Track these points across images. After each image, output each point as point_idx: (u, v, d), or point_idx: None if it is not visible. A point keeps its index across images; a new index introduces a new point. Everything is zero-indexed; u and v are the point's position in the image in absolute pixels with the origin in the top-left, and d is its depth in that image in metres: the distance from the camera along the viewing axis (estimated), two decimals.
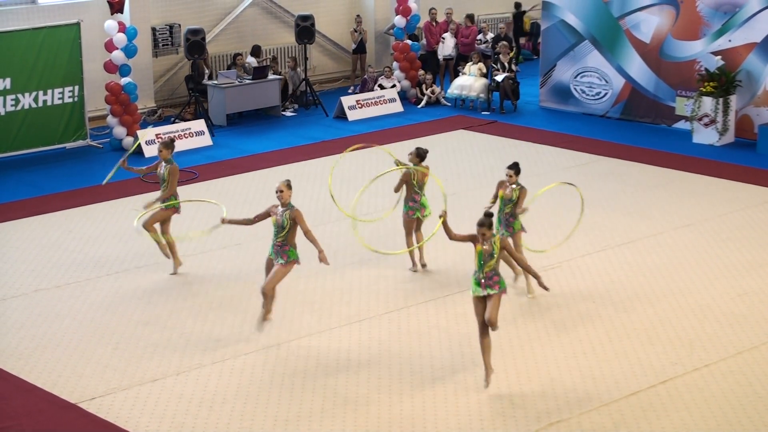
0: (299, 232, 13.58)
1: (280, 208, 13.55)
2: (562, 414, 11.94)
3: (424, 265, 16.12)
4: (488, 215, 12.31)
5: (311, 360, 13.26)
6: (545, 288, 12.61)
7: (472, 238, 12.31)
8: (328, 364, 13.14)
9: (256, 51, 26.33)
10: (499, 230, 14.61)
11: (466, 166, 21.19)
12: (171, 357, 13.38)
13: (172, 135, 22.23)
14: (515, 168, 14.79)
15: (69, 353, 13.50)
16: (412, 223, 16.02)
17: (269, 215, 13.67)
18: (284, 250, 13.55)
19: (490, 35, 28.56)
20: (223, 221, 14.13)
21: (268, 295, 13.74)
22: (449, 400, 12.22)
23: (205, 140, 23.22)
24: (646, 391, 12.43)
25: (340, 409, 12.11)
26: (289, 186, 13.58)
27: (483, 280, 12.25)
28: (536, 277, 12.53)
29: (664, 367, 13.00)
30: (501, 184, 14.84)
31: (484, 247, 12.19)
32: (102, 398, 12.38)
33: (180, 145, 22.67)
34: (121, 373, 12.98)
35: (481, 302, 12.31)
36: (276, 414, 12.01)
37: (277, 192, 13.49)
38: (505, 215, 14.74)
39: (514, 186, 14.71)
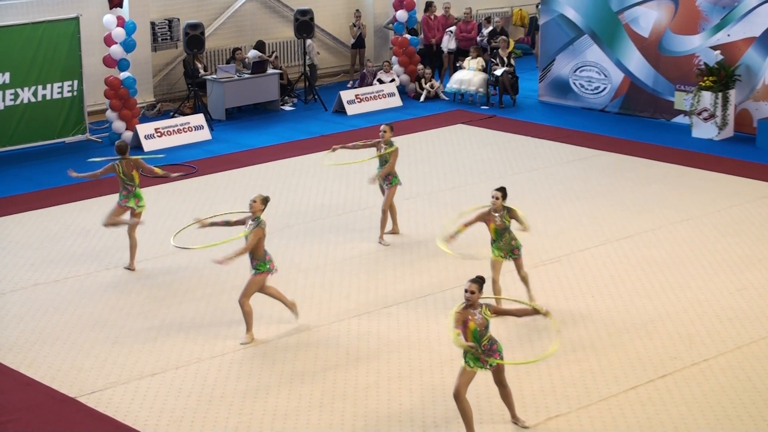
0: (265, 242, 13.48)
1: (249, 221, 13.43)
2: (561, 408, 11.95)
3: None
4: (479, 280, 10.94)
5: (310, 354, 13.27)
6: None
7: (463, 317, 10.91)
8: (327, 358, 13.15)
9: (260, 46, 26.25)
10: (503, 256, 13.93)
11: (465, 161, 21.19)
12: (170, 351, 13.39)
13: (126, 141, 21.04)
14: (503, 191, 13.83)
15: (68, 347, 13.51)
16: None
17: (243, 224, 13.53)
18: (253, 264, 13.48)
19: (488, 29, 28.50)
20: (203, 224, 13.87)
21: (243, 309, 13.55)
22: (448, 394, 12.19)
23: (204, 134, 23.22)
24: (645, 385, 12.44)
25: (339, 402, 12.12)
26: (264, 201, 13.44)
27: (482, 354, 10.96)
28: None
29: (663, 361, 13.01)
30: (486, 216, 13.80)
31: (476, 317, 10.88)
32: (101, 392, 12.39)
33: (179, 140, 22.72)
34: (120, 367, 12.99)
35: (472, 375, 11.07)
36: (275, 408, 12.02)
37: (250, 201, 13.45)
38: (505, 242, 13.87)
39: (501, 213, 13.75)
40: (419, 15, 28.22)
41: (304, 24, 26.03)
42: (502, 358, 11.09)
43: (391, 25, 28.12)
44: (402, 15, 27.21)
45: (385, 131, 16.78)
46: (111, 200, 18.92)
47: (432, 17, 27.98)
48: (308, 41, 26.73)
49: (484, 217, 13.84)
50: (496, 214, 13.82)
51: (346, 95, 25.53)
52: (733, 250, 16.49)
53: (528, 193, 19.15)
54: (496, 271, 14.08)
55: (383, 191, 17.00)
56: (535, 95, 26.50)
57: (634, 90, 24.76)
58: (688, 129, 23.12)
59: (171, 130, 22.80)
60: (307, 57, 26.78)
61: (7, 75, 21.58)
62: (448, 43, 27.65)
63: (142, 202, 16.04)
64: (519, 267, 14.15)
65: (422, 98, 26.57)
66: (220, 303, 14.77)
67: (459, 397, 11.00)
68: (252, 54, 25.91)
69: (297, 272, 15.83)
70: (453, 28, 27.66)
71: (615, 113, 25.05)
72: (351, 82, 27.78)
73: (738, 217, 17.90)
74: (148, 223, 17.78)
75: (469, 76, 26.06)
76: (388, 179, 16.83)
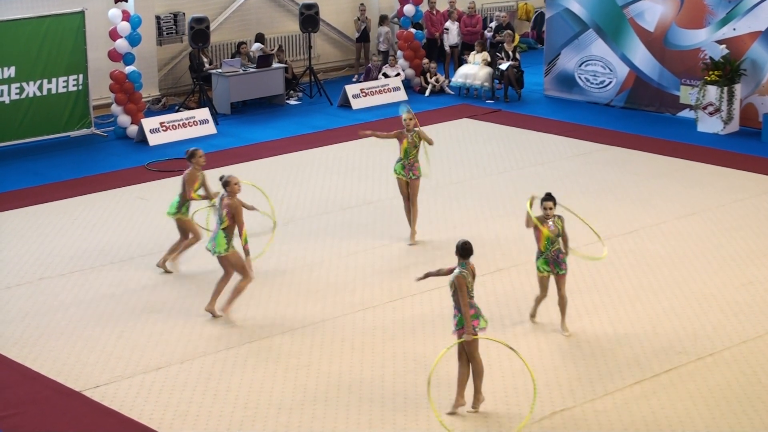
0: None
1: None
2: (566, 402, 11.95)
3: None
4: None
5: (315, 348, 13.27)
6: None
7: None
8: (332, 352, 13.16)
9: (260, 38, 26.30)
10: (549, 270, 13.32)
11: (470, 155, 21.18)
12: (175, 345, 13.40)
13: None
14: (552, 199, 13.22)
15: (73, 341, 13.52)
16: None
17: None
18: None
19: (492, 24, 28.50)
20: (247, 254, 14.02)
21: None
22: (453, 388, 12.21)
23: (209, 129, 23.21)
24: (650, 380, 12.44)
25: (344, 397, 12.13)
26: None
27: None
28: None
29: (668, 356, 13.00)
30: (539, 220, 13.18)
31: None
32: (106, 386, 12.41)
33: (184, 134, 22.71)
34: (126, 361, 13.01)
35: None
36: (280, 401, 12.03)
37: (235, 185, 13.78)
38: (554, 252, 13.25)
39: (554, 219, 13.22)
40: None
41: (310, 18, 26.03)
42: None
43: (396, 20, 28.10)
44: (409, 9, 27.19)
45: (412, 118, 16.38)
46: (114, 195, 18.96)
47: (434, 12, 27.96)
48: (383, 29, 26.90)
49: (542, 220, 13.20)
50: (549, 221, 13.22)
51: (351, 89, 25.52)
52: (738, 244, 16.48)
53: (533, 187, 19.13)
54: (544, 289, 13.57)
55: (407, 185, 16.59)
56: (541, 89, 26.48)
57: (639, 84, 24.74)
58: (694, 123, 23.09)
59: (176, 124, 22.80)
60: (381, 44, 26.90)
61: (12, 69, 21.59)
62: (449, 39, 27.59)
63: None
64: (560, 285, 13.43)
65: (427, 92, 26.56)
66: (225, 297, 14.76)
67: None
68: (256, 47, 25.92)
69: (302, 266, 15.83)
70: (448, 23, 27.59)
71: (620, 107, 25.03)
72: (356, 77, 27.77)
73: (743, 211, 17.88)
74: (152, 218, 17.82)
75: (474, 70, 26.05)
76: (414, 168, 16.50)
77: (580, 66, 25.66)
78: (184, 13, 25.70)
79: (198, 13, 24.85)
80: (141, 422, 11.65)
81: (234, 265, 14.01)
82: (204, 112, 23.45)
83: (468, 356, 11.70)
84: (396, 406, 11.92)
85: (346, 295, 14.84)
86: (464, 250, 11.65)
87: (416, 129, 16.35)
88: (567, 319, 13.63)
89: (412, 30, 27.38)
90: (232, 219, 13.70)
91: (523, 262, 15.72)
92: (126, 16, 22.52)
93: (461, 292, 11.53)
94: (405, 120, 16.34)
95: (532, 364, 12.77)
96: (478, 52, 26.29)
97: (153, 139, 22.28)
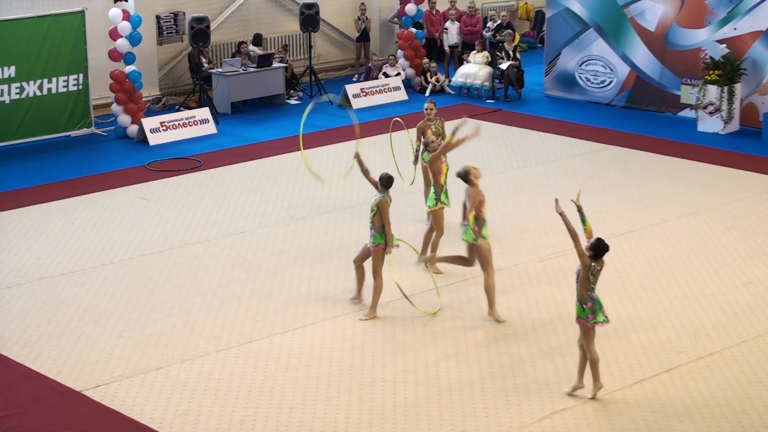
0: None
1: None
2: (567, 402, 11.95)
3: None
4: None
5: (315, 348, 13.27)
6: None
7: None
8: (333, 352, 13.16)
9: (257, 40, 26.26)
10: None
11: (471, 155, 21.15)
12: (175, 345, 13.40)
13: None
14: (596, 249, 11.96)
15: (74, 341, 13.52)
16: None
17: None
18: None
19: (491, 23, 28.50)
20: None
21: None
22: (454, 388, 12.23)
23: (210, 128, 23.20)
24: (651, 379, 12.44)
25: (344, 396, 12.12)
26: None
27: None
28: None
29: (668, 355, 13.00)
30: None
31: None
32: (107, 386, 12.40)
33: (184, 134, 22.71)
34: (126, 360, 13.01)
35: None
36: (280, 401, 12.03)
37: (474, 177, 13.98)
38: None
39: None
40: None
41: (310, 18, 26.03)
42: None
43: (396, 19, 28.10)
44: (410, 8, 27.19)
45: (433, 108, 16.86)
46: (114, 195, 18.96)
47: (434, 12, 27.96)
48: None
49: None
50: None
51: (351, 89, 25.51)
52: (739, 244, 16.48)
53: (533, 186, 19.15)
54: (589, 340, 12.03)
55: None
56: (541, 89, 26.48)
57: (640, 84, 24.73)
58: (694, 123, 23.09)
59: (176, 123, 22.79)
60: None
61: (12, 69, 21.58)
62: (448, 39, 27.57)
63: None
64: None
65: (428, 92, 26.54)
66: (226, 296, 14.79)
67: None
68: (255, 48, 25.90)
69: (302, 266, 15.82)
70: (448, 23, 27.59)
71: (621, 107, 25.02)
72: (356, 76, 27.77)
73: (743, 211, 17.88)
74: (152, 217, 17.82)
75: (474, 69, 26.04)
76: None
77: (580, 65, 25.65)
78: (184, 13, 25.71)
79: (198, 13, 24.85)
80: (141, 422, 11.65)
81: (478, 257, 13.93)
82: (204, 112, 23.45)
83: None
84: (396, 406, 11.92)
85: (346, 294, 14.83)
86: (385, 180, 13.90)
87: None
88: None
89: (413, 29, 27.37)
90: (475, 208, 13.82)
91: (523, 262, 15.73)
92: (126, 15, 22.52)
93: (384, 213, 13.64)
94: (427, 109, 16.92)
95: (532, 363, 12.78)
96: (478, 52, 26.29)
97: (153, 139, 22.28)
